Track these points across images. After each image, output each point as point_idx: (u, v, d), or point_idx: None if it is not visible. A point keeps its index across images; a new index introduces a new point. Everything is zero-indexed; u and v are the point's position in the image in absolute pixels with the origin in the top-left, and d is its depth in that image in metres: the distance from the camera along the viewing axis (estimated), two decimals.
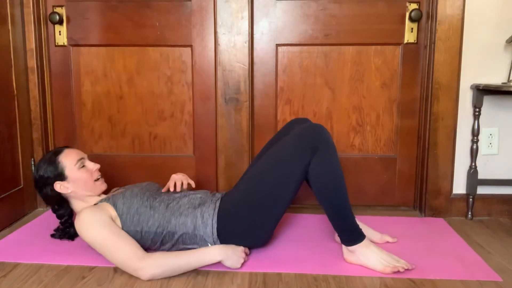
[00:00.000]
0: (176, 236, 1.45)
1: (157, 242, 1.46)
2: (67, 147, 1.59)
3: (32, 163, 1.97)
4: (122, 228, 1.43)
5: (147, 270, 1.33)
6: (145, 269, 1.33)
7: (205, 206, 1.48)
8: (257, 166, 1.51)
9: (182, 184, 1.60)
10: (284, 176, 1.41)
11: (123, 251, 1.35)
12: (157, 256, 1.35)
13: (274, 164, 1.43)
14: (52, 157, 1.52)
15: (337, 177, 1.39)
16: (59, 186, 1.50)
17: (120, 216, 1.44)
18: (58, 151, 1.54)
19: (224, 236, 1.44)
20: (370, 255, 1.39)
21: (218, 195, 1.55)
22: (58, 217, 1.60)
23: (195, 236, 1.44)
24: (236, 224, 1.44)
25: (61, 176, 1.50)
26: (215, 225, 1.43)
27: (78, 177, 1.51)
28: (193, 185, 1.61)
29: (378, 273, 1.37)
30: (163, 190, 1.59)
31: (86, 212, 1.40)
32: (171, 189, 1.57)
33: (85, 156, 1.57)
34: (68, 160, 1.52)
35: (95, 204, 1.49)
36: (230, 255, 1.40)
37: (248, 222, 1.44)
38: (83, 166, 1.53)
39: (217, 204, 1.48)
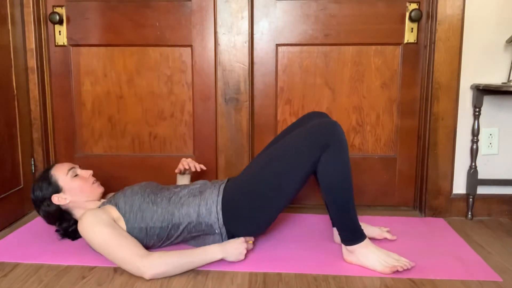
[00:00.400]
0: (181, 227, 1.46)
1: (163, 238, 1.47)
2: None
3: (32, 163, 1.97)
4: (127, 226, 1.44)
5: (149, 269, 1.33)
6: (147, 268, 1.33)
7: (207, 193, 1.49)
8: (267, 154, 1.51)
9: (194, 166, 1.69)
10: (293, 167, 1.41)
11: (125, 251, 1.35)
12: (159, 255, 1.36)
13: (284, 154, 1.43)
14: (43, 173, 1.55)
15: (345, 176, 1.39)
16: (56, 199, 1.51)
17: (123, 215, 1.45)
18: (48, 168, 1.58)
19: (229, 221, 1.45)
20: (369, 256, 1.39)
21: (221, 181, 1.57)
22: (65, 230, 1.59)
23: (200, 224, 1.46)
24: (241, 209, 1.45)
25: (57, 188, 1.52)
26: (219, 211, 1.44)
27: (73, 186, 1.53)
28: (204, 168, 1.67)
29: (378, 273, 1.37)
30: (176, 171, 1.68)
31: (88, 214, 1.41)
32: (186, 167, 1.67)
33: (76, 166, 1.60)
34: (59, 171, 1.54)
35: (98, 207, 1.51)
36: (231, 252, 1.42)
37: (253, 207, 1.45)
38: (76, 175, 1.56)
39: (221, 190, 1.49)
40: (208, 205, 1.45)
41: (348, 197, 1.40)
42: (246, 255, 1.46)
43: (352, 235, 1.41)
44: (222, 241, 1.47)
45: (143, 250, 1.37)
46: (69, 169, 1.55)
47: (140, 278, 1.35)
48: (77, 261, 1.46)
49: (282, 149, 1.45)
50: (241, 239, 1.46)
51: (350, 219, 1.41)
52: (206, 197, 1.47)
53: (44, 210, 1.53)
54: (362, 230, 1.43)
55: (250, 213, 1.46)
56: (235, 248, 1.43)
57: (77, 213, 1.55)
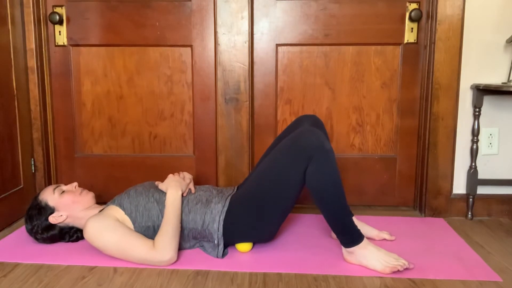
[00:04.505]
0: (186, 232, 1.49)
1: None
2: None
3: (32, 163, 1.97)
4: (134, 226, 1.47)
5: (163, 254, 1.39)
6: (160, 254, 1.39)
7: (213, 202, 1.50)
8: (260, 168, 1.52)
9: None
10: (282, 182, 1.41)
11: (138, 248, 1.40)
12: (160, 239, 1.40)
13: (272, 170, 1.44)
14: (32, 203, 1.58)
15: (333, 182, 1.37)
16: (53, 219, 1.54)
17: (129, 215, 1.48)
18: (35, 196, 1.60)
19: (228, 233, 1.47)
20: (369, 256, 1.39)
21: (227, 192, 1.57)
22: (73, 241, 1.62)
23: (204, 231, 1.48)
24: (240, 223, 1.47)
25: (50, 210, 1.54)
26: (221, 222, 1.46)
27: (64, 202, 1.55)
28: (193, 190, 1.60)
29: (378, 273, 1.37)
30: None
31: (92, 222, 1.43)
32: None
33: (60, 184, 1.63)
34: (46, 193, 1.57)
35: (100, 211, 1.52)
36: (181, 183, 1.53)
37: (251, 222, 1.46)
38: (63, 191, 1.58)
39: (227, 202, 1.50)
40: (213, 214, 1.47)
41: (339, 202, 1.39)
42: (248, 254, 1.50)
43: (350, 238, 1.41)
44: (217, 251, 1.48)
45: (149, 242, 1.42)
46: (54, 188, 1.58)
47: (139, 278, 1.35)
48: (77, 261, 1.46)
49: (269, 165, 1.46)
50: (187, 182, 1.57)
51: (345, 223, 1.41)
52: (212, 207, 1.48)
53: (44, 234, 1.55)
54: (359, 231, 1.42)
55: (248, 228, 1.47)
56: (172, 179, 1.53)
57: (78, 223, 1.57)
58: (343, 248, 1.44)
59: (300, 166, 1.38)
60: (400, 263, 1.38)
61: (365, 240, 1.41)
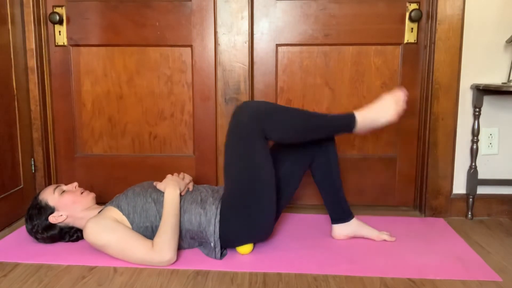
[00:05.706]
0: (183, 232, 1.48)
1: None
2: None
3: (32, 163, 1.97)
4: (132, 226, 1.47)
5: (162, 255, 1.39)
6: (159, 254, 1.39)
7: (207, 204, 1.49)
8: (226, 168, 1.50)
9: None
10: (254, 171, 1.42)
11: (137, 249, 1.40)
12: (159, 239, 1.40)
13: (237, 164, 1.44)
14: (32, 202, 1.58)
15: (298, 127, 1.43)
16: (53, 218, 1.54)
17: (127, 216, 1.47)
18: (35, 196, 1.60)
19: (225, 235, 1.46)
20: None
21: (222, 193, 1.56)
22: (73, 241, 1.62)
23: (200, 233, 1.47)
24: (233, 225, 1.46)
25: (50, 210, 1.54)
26: (217, 225, 1.45)
27: (64, 202, 1.55)
28: (191, 188, 1.60)
29: (378, 273, 1.37)
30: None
31: (91, 223, 1.43)
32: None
33: (60, 184, 1.64)
34: (46, 193, 1.57)
35: (99, 212, 1.52)
36: (179, 182, 1.53)
37: (244, 222, 1.46)
38: (63, 191, 1.58)
39: (220, 204, 1.49)
40: (208, 217, 1.46)
41: (312, 131, 1.45)
42: (249, 256, 1.49)
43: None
44: (215, 253, 1.47)
45: (148, 242, 1.41)
46: (55, 188, 1.58)
47: (139, 278, 1.35)
48: (77, 261, 1.46)
49: (232, 162, 1.45)
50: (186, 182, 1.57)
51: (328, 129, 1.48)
52: (207, 209, 1.48)
53: (44, 234, 1.56)
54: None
55: (242, 229, 1.47)
56: (170, 179, 1.53)
57: (78, 223, 1.57)
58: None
59: (259, 145, 1.39)
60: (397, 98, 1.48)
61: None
